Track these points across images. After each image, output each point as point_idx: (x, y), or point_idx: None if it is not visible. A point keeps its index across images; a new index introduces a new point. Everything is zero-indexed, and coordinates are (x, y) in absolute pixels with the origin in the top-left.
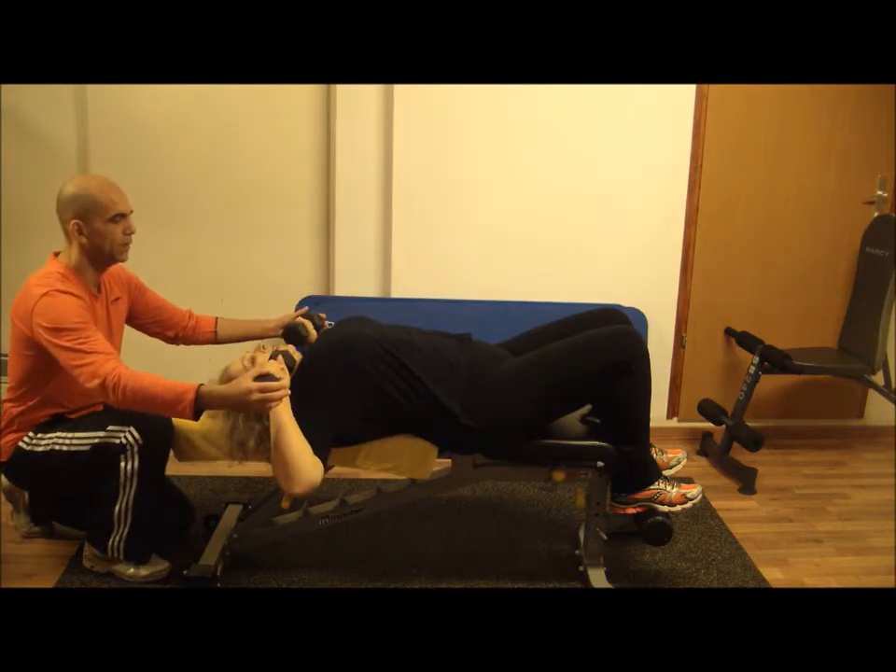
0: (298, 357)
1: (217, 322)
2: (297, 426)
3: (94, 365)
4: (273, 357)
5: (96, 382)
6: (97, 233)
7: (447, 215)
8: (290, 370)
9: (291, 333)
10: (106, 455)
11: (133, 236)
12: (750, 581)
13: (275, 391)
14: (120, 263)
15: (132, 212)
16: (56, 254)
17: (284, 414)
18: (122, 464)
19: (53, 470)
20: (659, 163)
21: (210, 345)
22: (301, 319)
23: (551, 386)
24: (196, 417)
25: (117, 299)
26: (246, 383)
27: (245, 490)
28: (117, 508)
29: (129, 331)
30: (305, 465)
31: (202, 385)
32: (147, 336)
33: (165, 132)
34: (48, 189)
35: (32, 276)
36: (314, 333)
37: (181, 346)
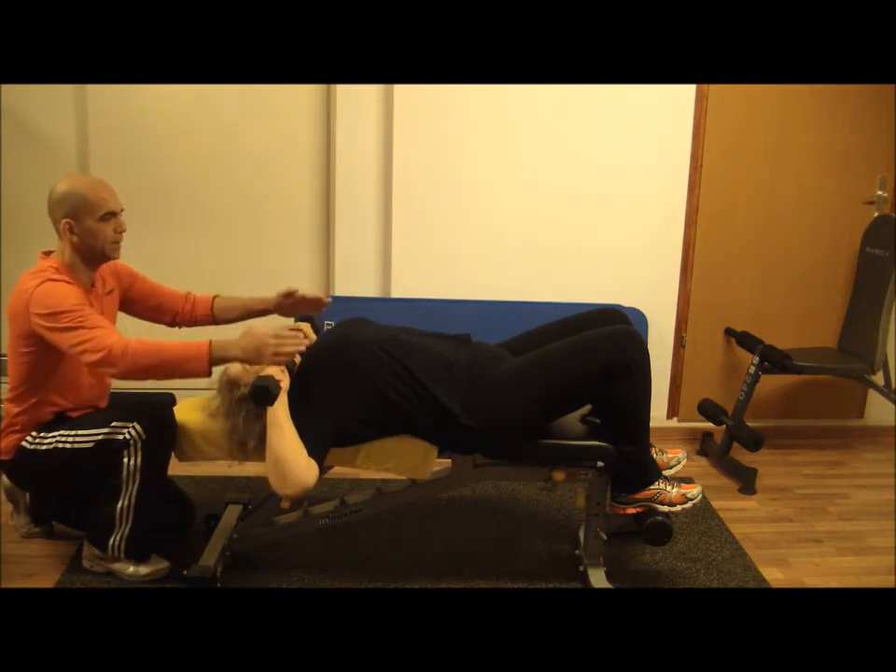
0: (297, 358)
1: (213, 302)
2: (293, 426)
3: (97, 339)
4: None
5: (101, 354)
6: (88, 232)
7: (447, 215)
8: (290, 371)
9: None
10: (110, 451)
11: (124, 234)
12: (750, 581)
13: (293, 339)
14: None
15: (122, 210)
16: (46, 253)
17: (280, 414)
18: (125, 460)
19: (57, 469)
20: (659, 163)
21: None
22: (300, 325)
23: (551, 386)
24: (210, 371)
25: (110, 291)
26: (263, 330)
27: (245, 490)
28: (119, 505)
29: (124, 330)
30: (298, 466)
31: (212, 340)
32: (141, 336)
33: (165, 132)
34: (47, 189)
35: (24, 274)
36: (313, 337)
37: None
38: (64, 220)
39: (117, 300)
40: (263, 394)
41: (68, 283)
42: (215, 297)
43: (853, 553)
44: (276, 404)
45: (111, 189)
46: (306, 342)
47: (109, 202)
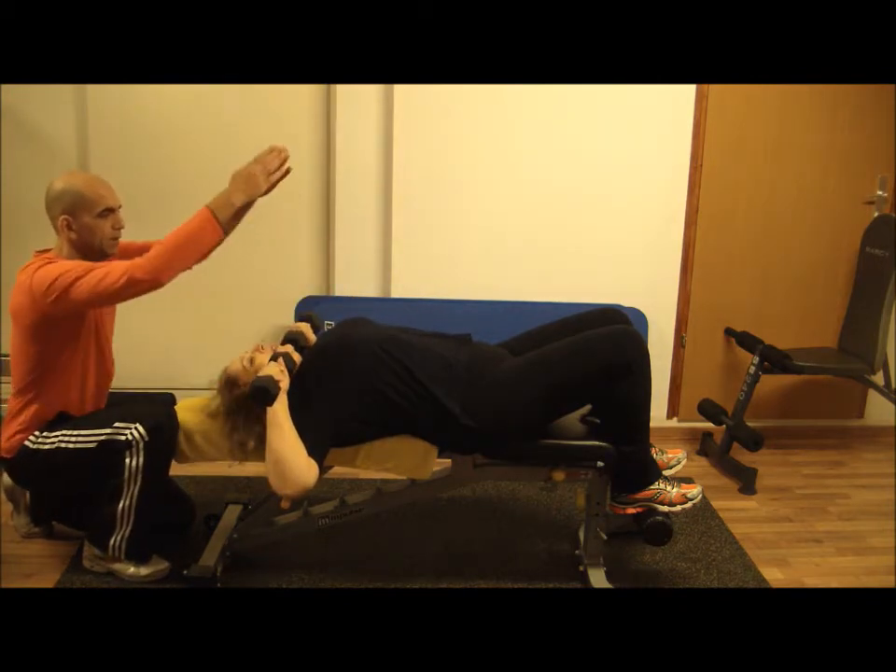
0: (297, 358)
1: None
2: (292, 426)
3: (112, 271)
4: (274, 358)
5: (125, 277)
6: (86, 228)
7: (447, 215)
8: (290, 371)
9: (290, 343)
10: (112, 451)
11: (122, 231)
12: (750, 581)
13: (274, 158)
14: None
15: (120, 206)
16: (39, 252)
17: (280, 413)
18: (127, 460)
19: (59, 469)
20: (659, 163)
21: (206, 348)
22: (299, 326)
23: (551, 387)
24: (224, 231)
25: None
26: (242, 167)
27: (245, 490)
28: (120, 506)
29: (120, 334)
30: (298, 466)
31: (207, 205)
32: (141, 337)
33: (165, 132)
34: None
35: (19, 271)
36: (312, 338)
37: (178, 347)
38: (62, 217)
39: None
40: (263, 394)
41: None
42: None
43: (853, 552)
44: (276, 404)
45: (109, 185)
46: (286, 154)
47: (107, 198)
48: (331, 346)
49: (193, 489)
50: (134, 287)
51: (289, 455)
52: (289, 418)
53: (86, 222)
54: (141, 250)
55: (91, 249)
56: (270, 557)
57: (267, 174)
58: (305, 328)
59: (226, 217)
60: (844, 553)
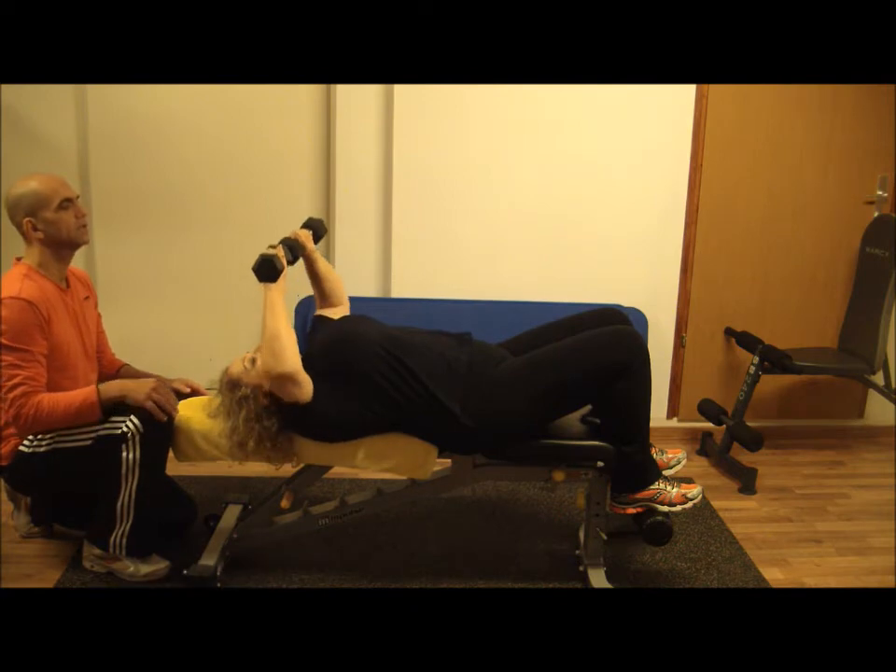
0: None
1: (122, 367)
2: (287, 314)
3: (19, 393)
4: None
5: (14, 410)
6: (51, 224)
7: (447, 215)
8: (290, 263)
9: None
10: (108, 445)
11: (87, 218)
12: (750, 581)
13: (169, 405)
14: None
15: (78, 196)
16: (19, 259)
17: (277, 297)
18: (124, 454)
19: (57, 470)
20: (659, 163)
21: (206, 349)
22: (298, 235)
23: (550, 386)
24: (102, 412)
25: (86, 297)
26: (153, 383)
27: (245, 490)
28: (119, 501)
29: (122, 335)
30: (292, 346)
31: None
32: (140, 337)
33: (165, 132)
34: None
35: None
36: (311, 247)
37: (181, 349)
38: (25, 220)
39: (94, 307)
40: (268, 268)
41: (27, 301)
42: (123, 365)
43: (853, 552)
44: (274, 289)
45: (61, 179)
46: (175, 413)
47: (61, 190)
48: (332, 344)
49: (193, 489)
50: (8, 416)
51: (284, 333)
52: (284, 304)
53: (48, 218)
54: (111, 362)
55: (61, 243)
56: (270, 557)
57: (150, 397)
58: (304, 236)
59: (108, 399)
60: (844, 553)
